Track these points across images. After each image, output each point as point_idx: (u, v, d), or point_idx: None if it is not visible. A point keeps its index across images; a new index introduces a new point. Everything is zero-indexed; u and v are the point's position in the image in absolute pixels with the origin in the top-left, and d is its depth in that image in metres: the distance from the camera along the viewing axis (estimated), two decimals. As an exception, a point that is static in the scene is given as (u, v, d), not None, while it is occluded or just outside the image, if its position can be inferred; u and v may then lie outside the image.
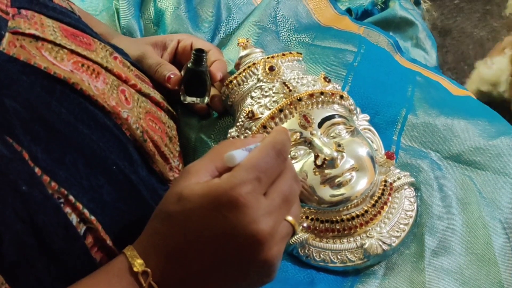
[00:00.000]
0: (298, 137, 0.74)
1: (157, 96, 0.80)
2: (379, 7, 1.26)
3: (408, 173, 0.77)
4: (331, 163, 0.71)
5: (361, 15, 1.26)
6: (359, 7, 1.25)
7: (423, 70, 1.03)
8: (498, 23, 2.41)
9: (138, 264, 0.54)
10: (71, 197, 0.56)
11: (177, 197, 0.53)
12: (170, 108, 0.84)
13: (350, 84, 0.89)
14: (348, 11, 1.22)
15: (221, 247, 0.52)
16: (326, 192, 0.72)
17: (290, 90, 0.76)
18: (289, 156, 0.59)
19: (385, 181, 0.75)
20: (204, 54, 0.81)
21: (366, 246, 0.70)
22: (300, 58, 0.86)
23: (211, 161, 0.55)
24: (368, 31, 1.07)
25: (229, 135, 0.79)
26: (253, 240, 0.51)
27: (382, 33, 1.08)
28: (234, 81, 0.82)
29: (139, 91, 0.76)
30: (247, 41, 0.88)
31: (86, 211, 0.57)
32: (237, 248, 0.51)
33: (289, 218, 0.55)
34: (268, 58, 0.83)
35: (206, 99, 0.84)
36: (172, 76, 0.83)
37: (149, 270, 0.53)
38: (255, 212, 0.50)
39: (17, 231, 0.52)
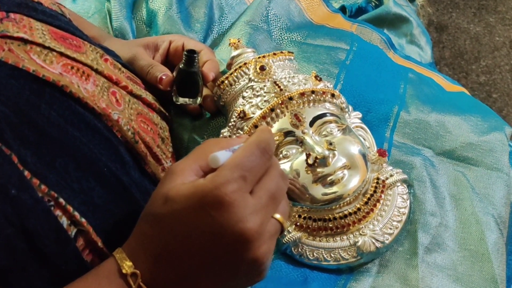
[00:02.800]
0: (290, 136, 0.74)
1: (149, 97, 0.80)
2: (373, 4, 1.27)
3: (401, 170, 0.77)
4: (322, 161, 0.71)
5: (355, 13, 1.26)
6: (353, 4, 1.26)
7: (416, 66, 1.03)
8: (494, 18, 2.41)
9: (127, 266, 0.54)
10: (61, 200, 0.56)
11: (164, 199, 0.53)
12: (162, 109, 0.84)
13: (342, 82, 0.89)
14: (342, 9, 1.22)
15: (210, 247, 0.51)
16: (318, 191, 0.72)
17: (281, 90, 0.76)
18: (274, 155, 0.59)
19: (378, 178, 0.75)
20: (195, 55, 0.81)
21: (359, 244, 0.70)
22: (292, 57, 0.86)
23: (195, 160, 0.55)
24: (361, 28, 1.07)
25: (221, 135, 0.79)
26: (241, 239, 0.50)
27: (375, 30, 1.08)
28: (226, 81, 0.82)
29: (130, 93, 0.76)
30: (239, 41, 0.88)
31: (76, 214, 0.57)
32: (225, 247, 0.51)
33: (277, 215, 0.55)
34: (259, 57, 0.83)
35: (199, 100, 0.84)
36: (164, 77, 0.83)
37: (138, 271, 0.53)
38: (242, 210, 0.50)
39: (7, 235, 0.52)
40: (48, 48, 0.64)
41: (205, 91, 0.87)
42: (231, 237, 0.50)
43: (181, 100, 0.83)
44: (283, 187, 0.57)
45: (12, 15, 0.63)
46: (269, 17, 1.01)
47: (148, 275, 0.54)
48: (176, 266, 0.53)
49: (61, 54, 0.65)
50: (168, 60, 0.92)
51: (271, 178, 0.55)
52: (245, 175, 0.52)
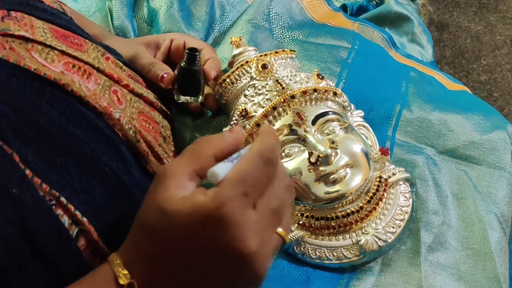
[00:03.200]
0: (292, 135, 0.74)
1: (150, 96, 0.80)
2: (374, 3, 1.26)
3: (403, 169, 0.77)
4: (325, 160, 0.70)
5: (357, 11, 1.25)
6: (354, 3, 1.25)
7: (418, 65, 1.03)
8: (494, 17, 2.41)
9: (123, 275, 0.52)
10: (62, 199, 0.56)
11: (160, 211, 0.50)
12: (164, 107, 0.84)
13: (344, 80, 0.89)
14: (344, 8, 1.22)
15: (209, 266, 0.50)
16: (321, 189, 0.71)
17: (283, 88, 0.76)
18: (280, 160, 0.57)
19: (380, 177, 0.75)
20: (197, 53, 0.81)
21: (361, 242, 0.70)
22: (294, 56, 0.86)
23: (187, 163, 0.53)
24: (363, 27, 1.07)
25: (223, 133, 0.79)
26: (242, 260, 0.49)
27: (377, 29, 1.08)
28: (228, 80, 0.82)
29: (132, 91, 0.76)
30: (240, 40, 0.88)
31: (78, 213, 0.57)
32: (225, 267, 0.50)
33: (279, 230, 0.53)
34: (261, 56, 0.82)
35: (200, 98, 0.84)
36: (165, 75, 0.83)
37: (134, 282, 0.52)
38: (243, 231, 0.49)
39: (8, 235, 0.51)
40: (50, 46, 0.63)
41: (207, 90, 0.87)
42: (232, 256, 0.49)
43: (183, 98, 0.83)
44: (287, 199, 0.55)
45: (13, 13, 0.63)
46: (271, 15, 1.00)
47: (144, 285, 0.52)
48: (174, 279, 0.52)
49: (63, 52, 0.65)
50: (170, 59, 0.92)
51: (275, 191, 0.53)
52: (247, 191, 0.49)
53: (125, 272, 0.52)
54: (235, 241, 0.49)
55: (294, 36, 0.99)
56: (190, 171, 0.52)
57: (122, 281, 0.52)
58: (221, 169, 0.51)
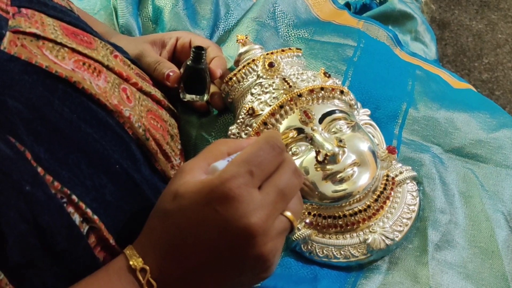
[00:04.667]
0: (299, 134, 0.74)
1: (158, 94, 0.80)
2: (378, 1, 1.26)
3: (410, 167, 0.77)
4: (332, 158, 0.71)
5: (360, 9, 1.25)
6: (357, 1, 1.25)
7: (423, 63, 1.03)
8: (496, 15, 2.41)
9: (137, 262, 0.54)
10: (74, 197, 0.56)
11: (173, 195, 0.53)
12: (171, 106, 0.84)
13: (350, 79, 0.89)
14: (347, 6, 1.22)
15: (215, 243, 0.51)
16: (328, 188, 0.71)
17: (290, 86, 0.76)
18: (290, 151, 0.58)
19: (387, 175, 0.75)
20: (203, 52, 0.81)
21: (369, 241, 0.70)
22: (300, 54, 0.86)
23: (204, 159, 0.56)
24: (368, 25, 1.07)
25: (229, 132, 0.79)
26: (245, 234, 0.50)
27: (382, 27, 1.08)
28: (234, 78, 0.82)
29: (140, 90, 0.76)
30: (246, 38, 0.87)
31: (89, 211, 0.57)
32: (230, 243, 0.51)
33: (287, 213, 0.54)
34: (267, 54, 0.82)
35: (206, 97, 0.84)
36: (171, 73, 0.83)
37: (147, 267, 0.54)
38: (246, 206, 0.50)
39: (21, 232, 0.52)
40: (60, 44, 0.63)
41: (212, 88, 0.87)
42: (236, 232, 0.50)
43: (188, 96, 0.83)
44: (295, 183, 0.55)
45: (24, 10, 0.62)
46: (276, 13, 1.00)
47: (157, 270, 0.54)
48: (183, 261, 0.53)
49: (73, 50, 0.65)
50: (175, 57, 0.92)
51: (282, 174, 0.54)
52: (252, 170, 0.51)
53: (139, 259, 0.54)
54: (239, 216, 0.50)
55: (299, 35, 0.99)
56: (205, 166, 0.55)
57: (134, 266, 0.54)
58: (222, 165, 0.53)
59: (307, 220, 0.73)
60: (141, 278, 0.54)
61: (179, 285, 0.54)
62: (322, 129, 0.74)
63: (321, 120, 0.74)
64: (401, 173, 0.76)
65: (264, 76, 0.80)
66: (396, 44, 1.05)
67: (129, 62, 0.78)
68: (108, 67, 0.69)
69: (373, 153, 0.74)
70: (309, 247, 0.73)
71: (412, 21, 1.21)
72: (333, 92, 0.77)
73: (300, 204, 0.57)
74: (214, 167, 0.54)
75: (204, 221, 0.51)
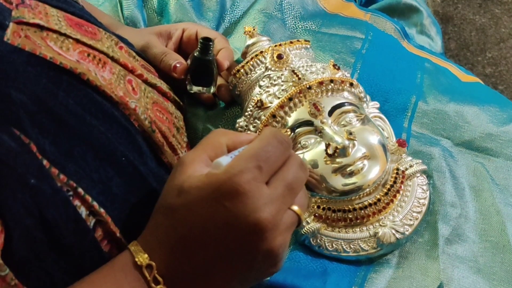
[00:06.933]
0: (308, 126, 0.73)
1: (163, 86, 0.79)
2: (383, -6, 1.25)
3: (420, 161, 0.76)
4: (342, 151, 0.69)
5: (366, 2, 1.24)
6: (363, -6, 1.24)
7: (431, 56, 1.02)
8: (499, 9, 2.40)
9: (143, 258, 0.53)
10: (80, 190, 0.55)
11: (178, 190, 0.52)
12: (176, 98, 0.83)
13: (358, 71, 0.88)
14: (353, -2, 1.21)
15: (224, 238, 0.51)
16: (338, 181, 0.70)
17: (299, 78, 0.75)
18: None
19: (397, 169, 0.74)
20: (211, 43, 0.80)
21: (379, 235, 0.69)
22: (308, 46, 0.85)
23: (204, 150, 0.55)
24: (375, 17, 1.06)
25: (237, 125, 0.78)
26: (255, 230, 0.50)
27: (389, 19, 1.07)
28: (242, 70, 0.81)
29: (146, 81, 0.75)
30: (254, 29, 0.86)
31: (95, 204, 0.56)
32: (239, 238, 0.51)
33: (295, 207, 0.54)
34: (275, 46, 0.81)
35: (213, 89, 0.83)
36: (178, 65, 0.82)
37: (153, 263, 0.53)
38: (256, 201, 0.50)
39: (27, 226, 0.51)
40: (64, 35, 0.62)
41: (219, 80, 0.86)
42: (245, 227, 0.50)
43: (195, 88, 0.82)
44: (301, 177, 0.55)
45: (27, 0, 0.61)
46: (283, 5, 0.99)
47: (163, 267, 0.53)
48: (190, 257, 0.53)
49: (77, 41, 0.63)
50: (181, 49, 0.91)
51: (289, 168, 0.54)
52: (261, 165, 0.51)
53: (145, 255, 0.53)
54: (249, 211, 0.49)
55: (306, 27, 0.98)
56: (206, 158, 0.54)
57: (140, 262, 0.53)
58: (226, 161, 0.52)
59: (316, 214, 0.72)
60: (147, 275, 0.53)
61: (187, 281, 0.54)
62: (331, 122, 0.73)
63: (330, 113, 0.73)
64: (411, 166, 0.75)
65: (273, 68, 0.79)
66: (403, 37, 1.04)
67: (134, 54, 0.77)
68: (113, 59, 0.68)
69: (383, 146, 0.73)
70: (318, 240, 0.72)
71: (417, 14, 1.20)
72: (342, 85, 0.76)
73: (306, 198, 0.57)
74: (218, 162, 0.53)
75: (213, 217, 0.51)
